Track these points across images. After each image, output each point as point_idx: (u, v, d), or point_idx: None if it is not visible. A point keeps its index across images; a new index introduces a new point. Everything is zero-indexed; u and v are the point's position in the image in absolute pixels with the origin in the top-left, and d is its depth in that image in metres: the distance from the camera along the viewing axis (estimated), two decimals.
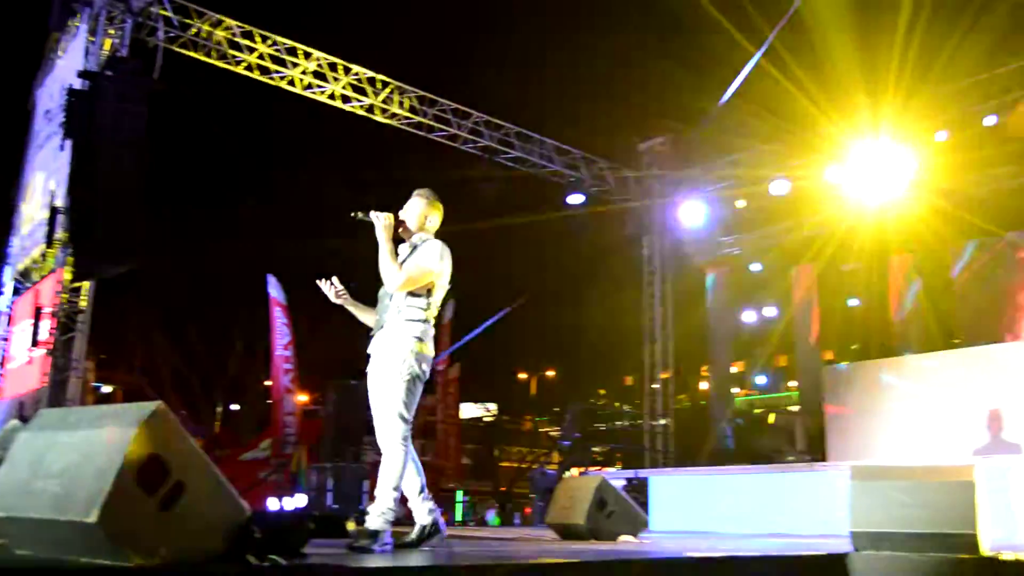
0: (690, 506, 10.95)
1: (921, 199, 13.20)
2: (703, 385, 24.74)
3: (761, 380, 24.37)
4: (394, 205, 4.81)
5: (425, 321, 4.57)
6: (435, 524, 4.52)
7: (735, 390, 20.37)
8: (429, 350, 4.55)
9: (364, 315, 4.85)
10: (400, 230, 4.72)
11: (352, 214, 4.65)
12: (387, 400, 4.44)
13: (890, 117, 12.93)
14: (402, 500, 4.51)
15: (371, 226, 4.62)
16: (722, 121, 13.97)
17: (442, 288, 4.69)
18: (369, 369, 4.65)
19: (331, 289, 4.79)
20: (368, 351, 4.68)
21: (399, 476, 4.37)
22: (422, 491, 4.55)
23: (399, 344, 4.48)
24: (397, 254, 4.65)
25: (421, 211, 4.78)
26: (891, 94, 12.40)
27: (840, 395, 12.70)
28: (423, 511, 4.54)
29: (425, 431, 23.43)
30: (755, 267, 17.23)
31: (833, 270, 15.88)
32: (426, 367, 4.52)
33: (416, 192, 4.84)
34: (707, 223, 16.15)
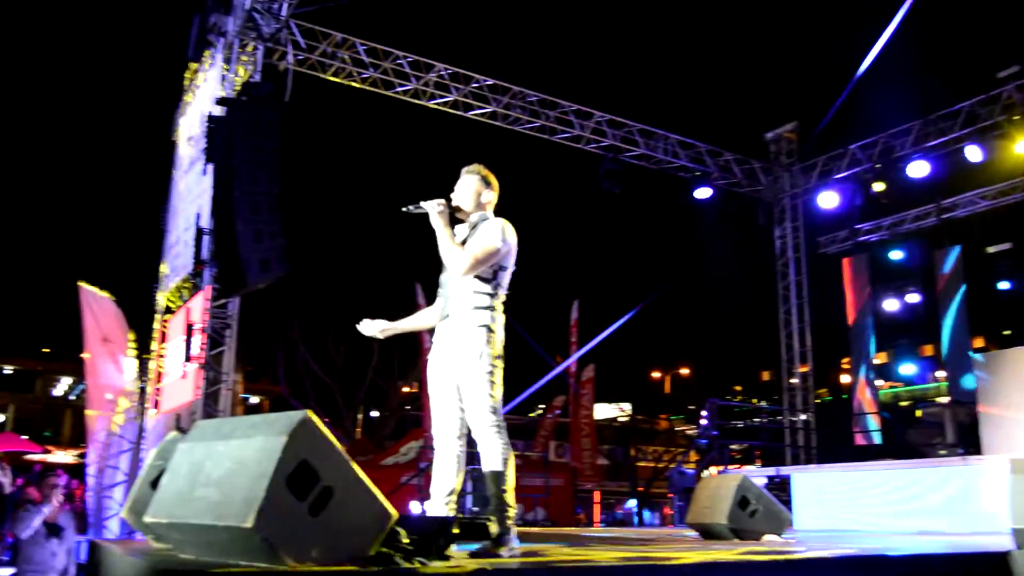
0: (835, 504, 10.58)
1: None
2: (844, 378, 23.93)
3: (906, 370, 23.40)
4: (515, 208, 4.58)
5: (493, 308, 4.30)
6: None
7: (879, 382, 19.58)
8: (501, 337, 4.31)
9: (416, 325, 4.72)
10: (456, 214, 4.43)
11: (403, 209, 4.41)
12: (473, 398, 4.20)
13: None
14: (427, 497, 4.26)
15: (426, 217, 4.35)
16: (851, 104, 13.51)
17: (508, 270, 4.38)
18: (432, 358, 4.43)
19: (374, 328, 4.63)
20: (432, 340, 4.48)
21: (508, 471, 4.16)
22: (450, 494, 4.30)
23: (471, 336, 4.23)
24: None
25: (474, 189, 4.46)
26: None
27: (992, 384, 12.03)
28: (444, 514, 4.22)
29: (559, 432, 23.47)
30: (895, 253, 16.57)
31: (979, 252, 15.12)
32: (501, 354, 4.29)
33: (465, 170, 4.52)
34: (841, 209, 15.62)
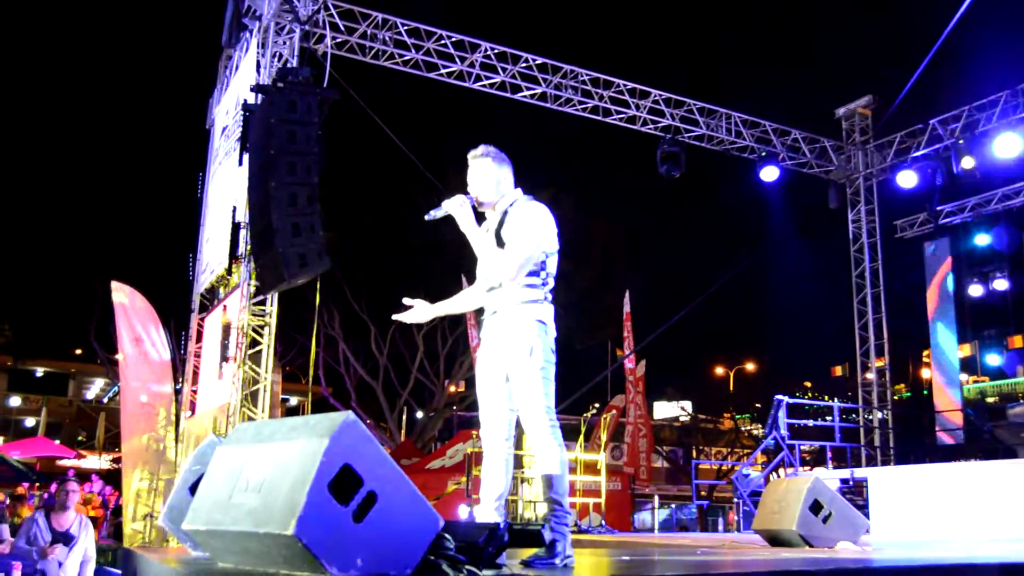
0: (916, 508, 10.41)
1: None
2: (925, 373, 23.53)
3: (993, 363, 22.93)
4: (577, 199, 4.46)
5: (544, 299, 4.19)
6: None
7: (963, 377, 19.23)
8: (553, 331, 4.21)
9: (456, 307, 4.64)
10: (479, 207, 4.27)
11: (426, 217, 4.32)
12: (525, 397, 4.13)
13: None
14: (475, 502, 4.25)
15: (451, 219, 4.23)
16: (931, 75, 13.25)
17: (554, 254, 4.23)
18: (481, 355, 4.33)
19: (413, 316, 4.53)
20: (480, 336, 4.38)
21: (563, 474, 4.09)
22: (500, 499, 4.23)
23: (522, 332, 4.12)
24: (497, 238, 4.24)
25: (491, 175, 4.28)
26: None
27: None
28: (494, 520, 4.14)
29: (615, 434, 23.38)
30: (980, 236, 16.23)
31: None
32: (554, 349, 4.19)
33: (472, 156, 4.32)
34: (920, 189, 15.33)
